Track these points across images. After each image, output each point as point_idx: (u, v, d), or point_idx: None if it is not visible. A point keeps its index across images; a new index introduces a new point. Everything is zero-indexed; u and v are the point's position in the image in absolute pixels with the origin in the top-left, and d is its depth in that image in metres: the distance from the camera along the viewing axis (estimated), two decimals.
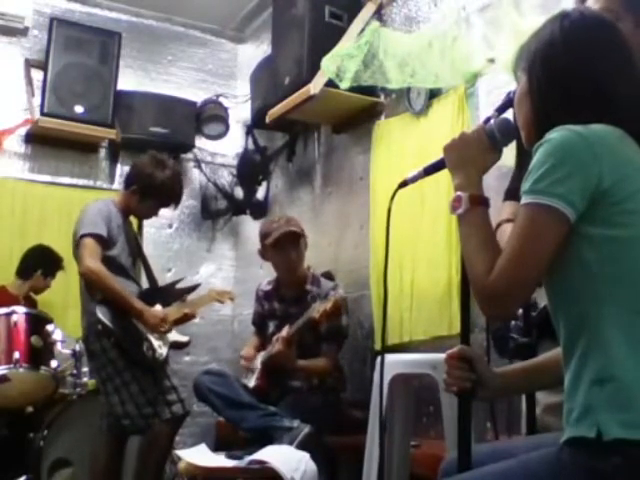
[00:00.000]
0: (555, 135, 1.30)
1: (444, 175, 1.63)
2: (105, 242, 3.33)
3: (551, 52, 1.41)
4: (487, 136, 1.50)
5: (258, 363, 3.55)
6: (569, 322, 1.32)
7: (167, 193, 3.54)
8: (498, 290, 1.31)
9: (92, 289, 3.33)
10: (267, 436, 3.09)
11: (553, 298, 1.36)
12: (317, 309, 3.28)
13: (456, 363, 1.52)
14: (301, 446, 2.95)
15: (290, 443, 2.98)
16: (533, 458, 1.32)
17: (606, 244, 1.28)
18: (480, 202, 1.43)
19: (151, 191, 3.49)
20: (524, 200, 1.30)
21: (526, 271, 1.30)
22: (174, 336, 3.57)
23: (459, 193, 1.43)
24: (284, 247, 3.57)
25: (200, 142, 5.18)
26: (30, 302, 4.20)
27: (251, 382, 3.51)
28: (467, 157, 1.49)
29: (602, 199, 1.27)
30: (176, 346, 3.63)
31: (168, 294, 3.63)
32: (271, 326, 3.66)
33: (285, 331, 3.37)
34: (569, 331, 1.32)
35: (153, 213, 3.64)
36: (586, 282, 1.29)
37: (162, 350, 3.43)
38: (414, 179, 1.64)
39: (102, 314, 3.27)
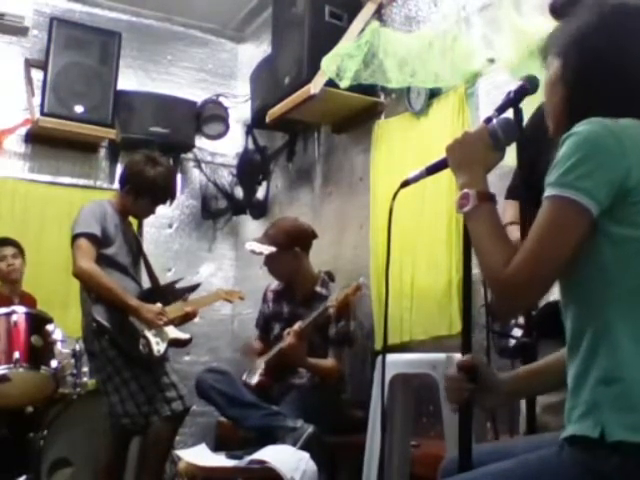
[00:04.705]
0: (584, 128, 1.27)
1: (445, 175, 1.63)
2: (100, 241, 3.34)
3: (590, 38, 1.35)
4: (490, 135, 1.49)
5: (262, 362, 3.54)
6: (578, 317, 1.30)
7: (160, 189, 3.53)
8: (518, 282, 1.28)
9: (89, 289, 3.33)
10: (270, 435, 3.06)
11: (565, 292, 1.35)
12: (335, 298, 3.26)
13: (453, 376, 1.51)
14: (305, 446, 2.93)
15: (294, 443, 2.95)
16: (533, 458, 1.31)
17: (622, 243, 1.26)
18: (488, 198, 1.42)
19: (144, 189, 3.49)
20: (548, 192, 1.28)
21: (547, 264, 1.27)
22: (174, 333, 3.55)
23: (466, 190, 1.42)
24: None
25: (200, 142, 5.18)
26: (29, 301, 4.20)
27: (253, 379, 3.50)
28: (471, 156, 1.47)
29: (625, 197, 1.24)
30: (177, 343, 3.61)
31: (168, 293, 3.62)
32: (276, 328, 3.65)
33: (297, 325, 3.34)
34: (577, 326, 1.30)
35: (150, 211, 3.64)
36: (598, 279, 1.27)
37: (160, 347, 3.41)
38: (416, 179, 1.64)
39: (97, 313, 3.27)
